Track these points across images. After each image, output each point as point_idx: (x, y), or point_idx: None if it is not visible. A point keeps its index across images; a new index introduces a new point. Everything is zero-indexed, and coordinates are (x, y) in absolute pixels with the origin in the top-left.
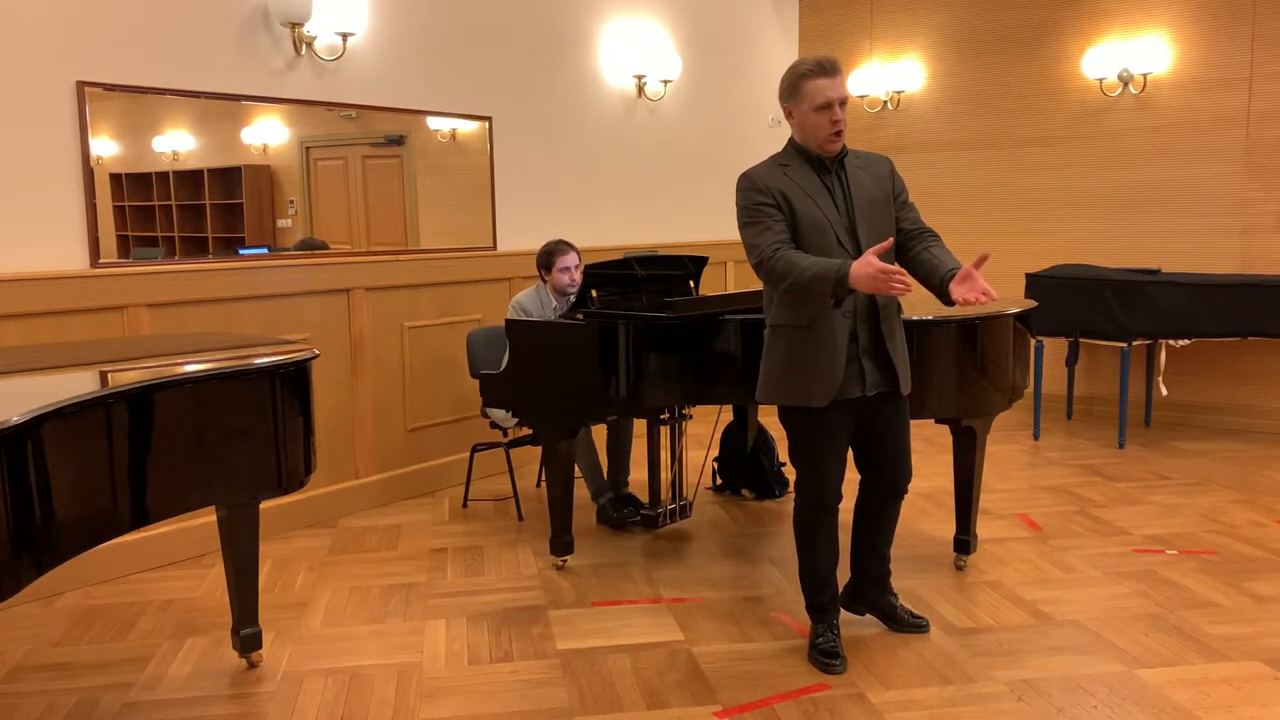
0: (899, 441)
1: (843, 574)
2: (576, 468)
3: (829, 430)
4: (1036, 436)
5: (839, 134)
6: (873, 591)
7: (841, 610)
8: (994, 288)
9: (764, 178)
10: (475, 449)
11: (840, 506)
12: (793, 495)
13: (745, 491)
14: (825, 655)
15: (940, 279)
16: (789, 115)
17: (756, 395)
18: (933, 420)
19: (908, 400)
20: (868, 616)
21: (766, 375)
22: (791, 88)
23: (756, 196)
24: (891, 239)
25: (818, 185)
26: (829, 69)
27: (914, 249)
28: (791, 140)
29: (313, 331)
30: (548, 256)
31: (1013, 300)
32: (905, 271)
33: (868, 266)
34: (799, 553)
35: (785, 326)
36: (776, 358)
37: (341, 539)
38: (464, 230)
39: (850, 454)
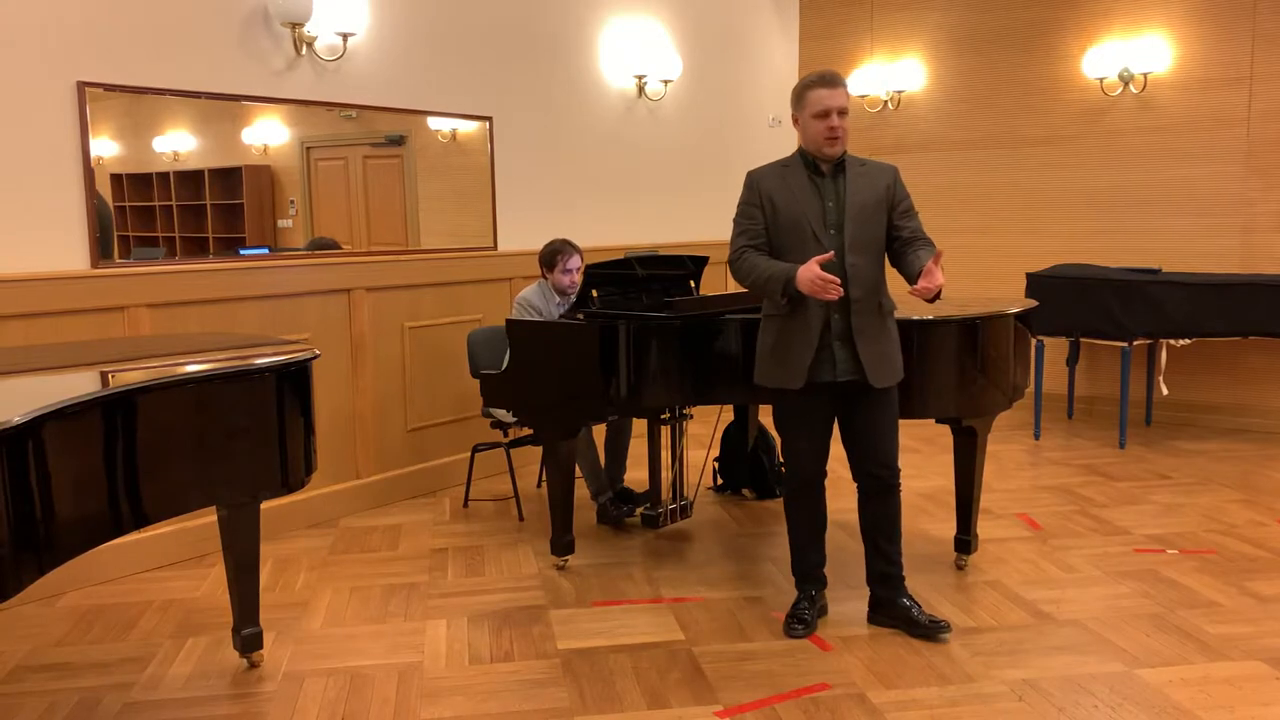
0: (877, 428)
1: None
2: (577, 467)
3: (804, 410)
4: (1037, 436)
5: (835, 139)
6: (885, 595)
7: (825, 595)
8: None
9: (761, 179)
10: (476, 449)
11: (845, 508)
12: None
13: (746, 491)
14: (792, 619)
15: (914, 276)
16: (795, 122)
17: (754, 377)
18: (933, 420)
19: (893, 392)
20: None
21: (757, 359)
22: (798, 97)
23: (747, 195)
24: (831, 253)
25: (807, 187)
26: (829, 81)
27: (906, 254)
28: (800, 145)
29: (313, 331)
30: (552, 256)
31: (1013, 300)
32: (838, 281)
33: (808, 272)
34: (786, 525)
35: (773, 315)
36: (764, 343)
37: (342, 539)
38: (464, 230)
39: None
